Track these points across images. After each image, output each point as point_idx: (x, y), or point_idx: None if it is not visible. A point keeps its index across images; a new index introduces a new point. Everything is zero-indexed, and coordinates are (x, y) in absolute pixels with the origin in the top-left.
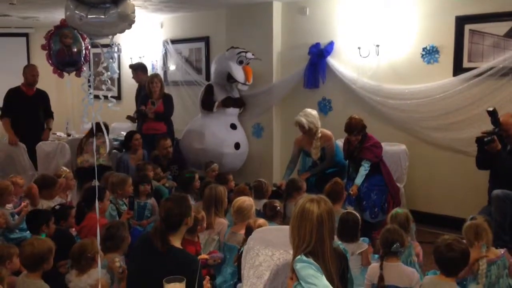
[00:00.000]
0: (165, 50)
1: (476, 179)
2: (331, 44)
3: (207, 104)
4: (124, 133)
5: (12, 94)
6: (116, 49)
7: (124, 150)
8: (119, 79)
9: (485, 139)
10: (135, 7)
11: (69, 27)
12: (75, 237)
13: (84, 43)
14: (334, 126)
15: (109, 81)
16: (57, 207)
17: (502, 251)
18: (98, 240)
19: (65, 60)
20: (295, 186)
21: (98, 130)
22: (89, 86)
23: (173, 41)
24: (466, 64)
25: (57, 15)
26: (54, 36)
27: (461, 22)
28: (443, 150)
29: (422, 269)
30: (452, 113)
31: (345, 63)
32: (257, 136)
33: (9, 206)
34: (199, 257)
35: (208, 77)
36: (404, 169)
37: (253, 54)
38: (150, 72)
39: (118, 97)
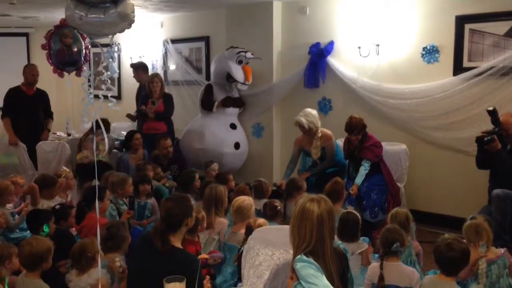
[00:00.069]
0: (165, 49)
1: (476, 178)
2: (331, 43)
3: (207, 104)
4: (124, 133)
5: (12, 93)
6: (116, 49)
7: (124, 149)
8: (119, 78)
9: (485, 139)
10: (135, 7)
11: (69, 27)
12: (75, 236)
13: (84, 43)
14: (334, 125)
15: (109, 81)
16: (57, 206)
17: (502, 250)
18: (98, 239)
19: (65, 60)
20: (295, 185)
21: (97, 127)
22: (89, 85)
23: (173, 41)
24: (466, 63)
25: (57, 15)
26: (54, 36)
27: (461, 21)
28: (443, 150)
29: (422, 269)
30: (452, 113)
31: (345, 62)
32: (257, 136)
33: (9, 206)
34: (199, 256)
35: (208, 77)
36: (404, 169)
37: (252, 54)
38: (150, 71)
39: (119, 97)
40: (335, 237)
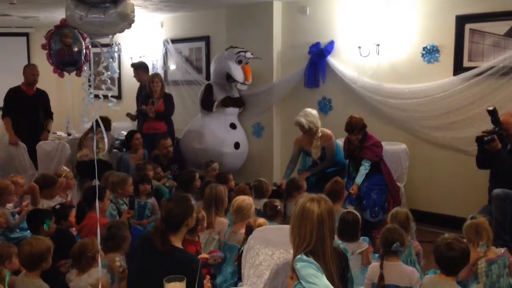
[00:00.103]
0: (166, 49)
1: (476, 178)
2: (331, 43)
3: (207, 103)
4: (124, 133)
5: (12, 93)
6: (116, 49)
7: (124, 149)
8: (119, 78)
9: (485, 139)
10: (135, 7)
11: (69, 27)
12: (75, 236)
13: (85, 43)
14: (334, 125)
15: (109, 81)
16: (58, 206)
17: (502, 250)
18: (99, 239)
19: (65, 60)
20: (295, 185)
21: (97, 126)
22: (89, 85)
23: (174, 41)
24: (466, 63)
25: (58, 15)
26: (54, 36)
27: (461, 21)
28: (443, 150)
29: (422, 269)
30: (452, 113)
31: (345, 62)
32: (257, 136)
33: (9, 205)
34: (200, 256)
35: (208, 77)
36: (404, 169)
37: (252, 54)
38: (150, 71)
39: (119, 97)
40: (335, 236)
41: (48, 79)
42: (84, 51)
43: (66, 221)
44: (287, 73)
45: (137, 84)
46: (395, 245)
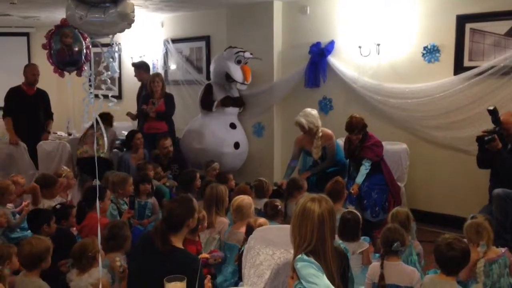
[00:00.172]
0: (166, 49)
1: (477, 178)
2: (331, 43)
3: (206, 103)
4: (125, 133)
5: (13, 93)
6: (116, 49)
7: (125, 149)
8: (120, 78)
9: (486, 138)
10: (136, 7)
11: (69, 27)
12: (76, 236)
13: (85, 43)
14: (334, 125)
15: (109, 81)
16: (58, 206)
17: (503, 250)
18: (99, 239)
19: (66, 60)
20: (296, 185)
21: (97, 125)
22: (90, 85)
23: (174, 40)
24: (467, 63)
25: (58, 15)
26: (54, 36)
27: (462, 21)
28: (443, 149)
29: (423, 268)
30: (452, 112)
31: (345, 62)
32: (257, 136)
33: (10, 205)
34: (200, 256)
35: (208, 77)
36: (404, 168)
37: (251, 53)
38: (151, 71)
39: (119, 97)
40: (336, 236)
41: (48, 79)
42: (84, 51)
43: (66, 221)
44: (287, 72)
45: (138, 84)
46: (395, 244)
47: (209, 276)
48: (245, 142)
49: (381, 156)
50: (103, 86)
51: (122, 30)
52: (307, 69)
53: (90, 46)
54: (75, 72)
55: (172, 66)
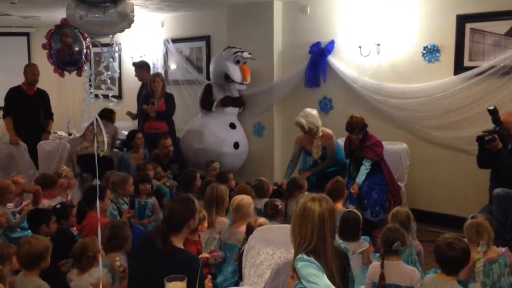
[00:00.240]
0: (166, 49)
1: (477, 178)
2: (331, 43)
3: (206, 103)
4: (125, 132)
5: (13, 93)
6: (116, 49)
7: (125, 149)
8: (120, 78)
9: (486, 138)
10: (136, 6)
11: (70, 26)
12: (76, 236)
13: (85, 42)
14: (335, 125)
15: (109, 81)
16: (58, 206)
17: (503, 249)
18: (99, 239)
19: (66, 60)
20: (296, 185)
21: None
22: (90, 85)
23: (174, 40)
24: (467, 63)
25: (58, 14)
26: (54, 35)
27: (462, 21)
28: (444, 149)
29: (423, 268)
30: (453, 112)
31: (346, 62)
32: (258, 135)
33: (10, 205)
34: (200, 256)
35: (208, 76)
36: (405, 168)
37: (249, 53)
38: (151, 71)
39: (119, 96)
40: (336, 236)
41: (48, 79)
42: (84, 50)
43: (67, 220)
44: (287, 72)
45: (138, 84)
46: (395, 244)
47: (209, 276)
48: (245, 142)
49: (381, 156)
50: (103, 86)
51: (122, 30)
52: (307, 69)
53: (90, 46)
54: (75, 72)
55: (172, 66)
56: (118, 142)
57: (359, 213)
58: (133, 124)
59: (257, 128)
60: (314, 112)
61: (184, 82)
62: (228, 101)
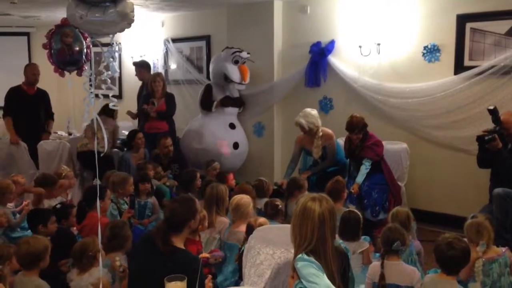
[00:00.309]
0: (166, 49)
1: (477, 177)
2: (332, 42)
3: (206, 104)
4: (125, 132)
5: (13, 93)
6: (116, 48)
7: (125, 148)
8: (120, 77)
9: (486, 138)
10: (136, 6)
11: (70, 26)
12: (76, 236)
13: (86, 42)
14: (335, 124)
15: (109, 80)
16: (58, 206)
17: (503, 249)
18: (100, 239)
19: (66, 59)
20: (296, 184)
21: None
22: (90, 85)
23: (174, 40)
24: (467, 62)
25: (59, 14)
26: (55, 35)
27: (462, 20)
28: (444, 149)
29: (423, 268)
30: (453, 112)
31: (346, 61)
32: (258, 135)
33: (10, 205)
34: (200, 256)
35: (209, 76)
36: (405, 168)
37: (248, 53)
38: (152, 71)
39: (119, 96)
40: (336, 236)
41: (48, 79)
42: (85, 50)
43: (67, 220)
44: (287, 72)
45: (138, 83)
46: (396, 244)
47: (210, 276)
48: (244, 142)
49: (381, 155)
50: (103, 86)
51: (122, 30)
52: (307, 69)
53: (91, 46)
54: (75, 71)
55: (173, 66)
56: (118, 142)
57: (359, 213)
58: (133, 124)
59: (257, 128)
60: (314, 112)
61: (184, 82)
62: (227, 101)
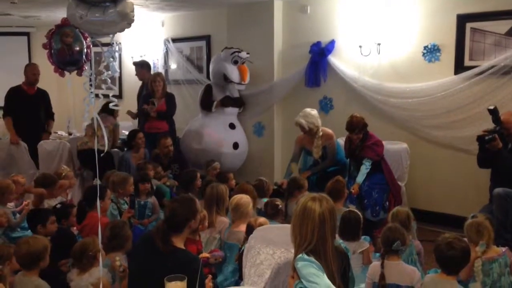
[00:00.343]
0: (166, 48)
1: (477, 177)
2: (332, 42)
3: (206, 104)
4: (125, 132)
5: (13, 93)
6: (116, 48)
7: (126, 148)
8: (120, 77)
9: (486, 138)
10: (136, 6)
11: (70, 26)
12: (76, 236)
13: (86, 42)
14: (335, 124)
15: (109, 80)
16: (58, 205)
17: (503, 249)
18: (100, 238)
19: (66, 59)
20: (296, 184)
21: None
22: (91, 85)
23: (174, 40)
24: (467, 62)
25: (59, 14)
26: (55, 35)
27: (462, 20)
28: (444, 149)
29: (423, 268)
30: (453, 112)
31: (346, 61)
32: (258, 135)
33: (10, 205)
34: (201, 255)
35: (209, 76)
36: (405, 168)
37: (247, 53)
38: (152, 70)
39: (119, 96)
40: (336, 236)
41: (49, 79)
42: (85, 50)
43: (67, 220)
44: (288, 72)
45: (138, 83)
46: (396, 244)
47: (210, 276)
48: (244, 142)
49: (381, 155)
50: (103, 86)
51: (122, 30)
52: (307, 69)
53: (91, 46)
54: (75, 71)
55: (173, 66)
56: (119, 141)
57: (359, 213)
58: (133, 124)
59: (257, 127)
60: (313, 112)
61: (184, 82)
62: (227, 101)
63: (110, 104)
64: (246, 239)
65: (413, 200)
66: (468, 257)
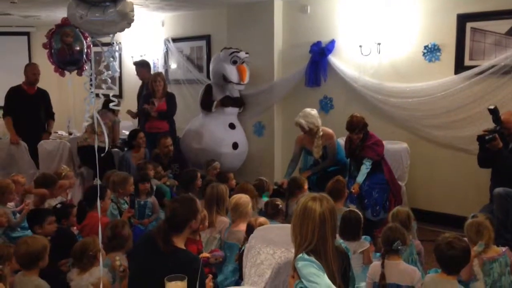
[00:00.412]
0: (166, 48)
1: (478, 177)
2: (332, 42)
3: (206, 104)
4: (126, 132)
5: (13, 93)
6: (116, 48)
7: (126, 148)
8: (120, 77)
9: (487, 137)
10: (136, 6)
11: (70, 26)
12: (76, 235)
13: (86, 42)
14: (335, 124)
15: (109, 80)
16: (59, 205)
17: (503, 249)
18: (100, 238)
19: (66, 59)
20: (296, 184)
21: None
22: (91, 85)
23: (174, 40)
24: (467, 62)
25: (59, 14)
26: (55, 35)
27: (462, 20)
28: (444, 148)
29: (424, 267)
30: (453, 111)
31: (346, 61)
32: (258, 135)
33: (10, 204)
34: (201, 255)
35: (209, 75)
36: (405, 167)
37: (247, 53)
38: (152, 70)
39: (120, 96)
40: (337, 235)
41: (49, 78)
42: (85, 50)
43: (67, 220)
44: (288, 72)
45: (138, 83)
46: (396, 244)
47: (210, 276)
48: (244, 142)
49: (382, 155)
50: (103, 86)
51: (122, 29)
52: (307, 68)
53: (91, 46)
54: (75, 71)
55: (173, 65)
56: (120, 141)
57: (359, 213)
58: (133, 123)
59: (257, 127)
60: (313, 112)
61: (184, 82)
62: (227, 101)
63: (111, 104)
64: (246, 239)
65: (414, 200)
66: (469, 257)
